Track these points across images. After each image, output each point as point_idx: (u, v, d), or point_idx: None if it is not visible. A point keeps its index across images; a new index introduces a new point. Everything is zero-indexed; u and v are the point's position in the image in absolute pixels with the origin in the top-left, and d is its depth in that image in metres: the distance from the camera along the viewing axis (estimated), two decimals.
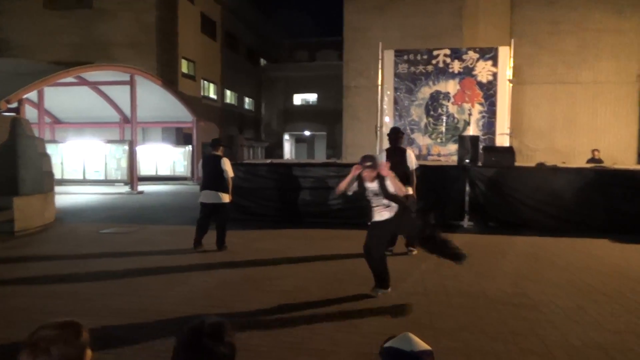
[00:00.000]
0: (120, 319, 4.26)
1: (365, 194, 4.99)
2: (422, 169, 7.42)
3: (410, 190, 6.70)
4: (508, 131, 12.61)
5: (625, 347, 3.73)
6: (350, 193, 5.12)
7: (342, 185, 5.08)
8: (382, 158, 6.80)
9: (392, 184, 4.82)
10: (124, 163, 17.04)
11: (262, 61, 37.90)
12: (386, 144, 13.11)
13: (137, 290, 5.13)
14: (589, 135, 15.19)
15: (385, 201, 4.91)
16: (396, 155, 6.78)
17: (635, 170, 9.17)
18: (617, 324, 4.21)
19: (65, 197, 13.57)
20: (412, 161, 6.82)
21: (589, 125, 15.22)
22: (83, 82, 17.04)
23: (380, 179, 4.86)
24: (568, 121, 15.36)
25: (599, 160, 12.43)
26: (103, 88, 18.44)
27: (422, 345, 1.44)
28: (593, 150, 13.38)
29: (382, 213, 4.96)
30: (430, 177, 7.00)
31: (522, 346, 3.74)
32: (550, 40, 15.28)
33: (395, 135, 7.04)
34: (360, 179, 4.97)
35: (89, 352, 1.56)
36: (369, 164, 4.83)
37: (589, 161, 12.69)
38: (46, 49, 21.94)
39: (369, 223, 5.07)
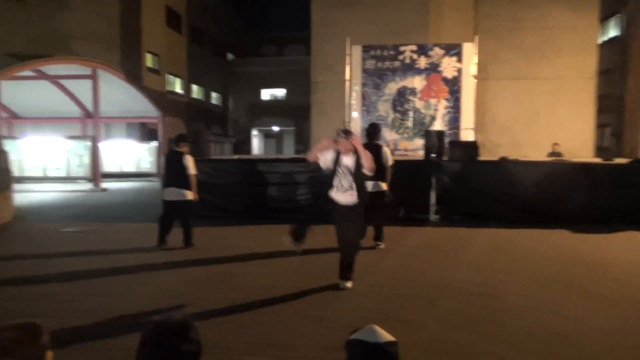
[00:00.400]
0: (82, 319, 4.15)
1: (337, 173, 4.99)
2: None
3: (385, 186, 6.81)
4: (472, 126, 12.91)
5: (582, 333, 3.89)
6: (324, 168, 5.14)
7: (314, 153, 5.18)
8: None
9: (364, 157, 4.91)
10: (86, 159, 16.53)
11: (230, 56, 37.42)
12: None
13: (100, 290, 5.00)
14: (549, 129, 15.69)
15: (353, 183, 4.94)
16: (374, 150, 6.84)
17: (592, 164, 9.54)
18: (574, 311, 4.39)
19: (25, 195, 13.08)
20: (388, 158, 6.90)
21: (549, 119, 15.72)
22: (42, 75, 16.41)
23: (357, 156, 4.92)
24: (529, 116, 15.82)
25: (559, 154, 12.87)
26: (64, 82, 17.79)
27: (387, 336, 1.47)
28: (553, 144, 13.83)
29: (347, 196, 4.99)
30: (397, 171, 7.09)
31: (486, 334, 3.85)
32: (512, 37, 15.68)
33: (374, 130, 7.12)
34: (336, 157, 5.02)
35: (49, 354, 1.53)
36: (344, 135, 4.92)
37: (549, 155, 13.13)
38: (2, 41, 21.02)
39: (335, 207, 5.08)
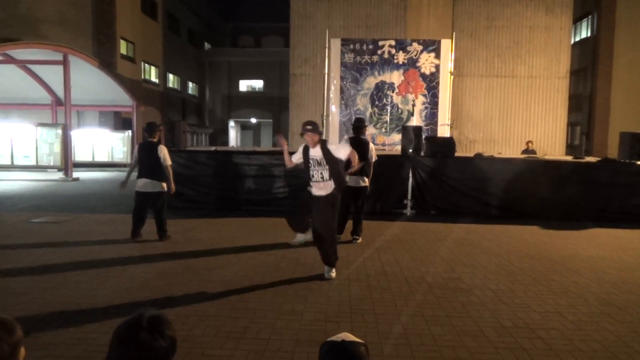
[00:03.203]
0: (53, 313, 4.05)
1: (309, 166, 5.10)
2: None
3: (367, 182, 6.96)
4: (449, 122, 13.07)
5: (550, 326, 4.00)
6: (298, 164, 5.33)
7: (286, 159, 5.40)
8: (346, 146, 6.89)
9: (352, 156, 5.05)
10: (57, 148, 16.11)
11: (207, 45, 36.88)
12: (333, 133, 13.33)
13: (70, 283, 4.89)
14: (523, 127, 16.03)
15: (326, 174, 5.03)
16: (360, 146, 6.88)
17: (563, 161, 9.78)
18: (543, 305, 4.50)
19: None
20: (373, 154, 7.03)
21: (522, 117, 16.05)
22: (10, 60, 15.86)
23: (324, 147, 5.02)
24: (504, 113, 16.11)
25: (533, 151, 13.16)
26: (33, 67, 17.26)
27: (356, 340, 1.50)
28: (527, 142, 14.14)
29: (320, 187, 5.10)
30: (375, 166, 7.15)
31: (457, 328, 3.92)
32: (487, 35, 15.91)
33: (361, 124, 7.21)
34: (305, 151, 5.15)
35: (22, 350, 1.49)
36: (309, 127, 5.00)
37: (523, 152, 13.42)
38: None
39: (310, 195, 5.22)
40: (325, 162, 5.01)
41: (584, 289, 5.01)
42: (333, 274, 5.17)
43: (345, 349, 1.45)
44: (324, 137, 12.96)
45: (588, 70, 22.45)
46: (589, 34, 22.75)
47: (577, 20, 21.50)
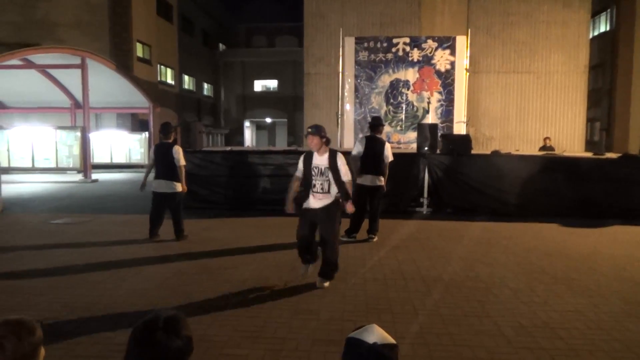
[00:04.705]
0: (71, 313, 4.11)
1: (310, 174, 4.80)
2: None
3: (383, 181, 6.90)
4: (465, 119, 12.94)
5: (571, 325, 3.93)
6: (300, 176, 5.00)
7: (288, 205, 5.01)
8: (362, 143, 6.88)
9: (342, 166, 4.74)
10: (76, 150, 16.36)
11: (221, 46, 37.11)
12: (347, 132, 13.30)
13: (89, 282, 4.96)
14: (541, 123, 15.79)
15: (326, 185, 4.75)
16: (376, 144, 6.86)
17: (582, 158, 9.61)
18: (563, 304, 4.43)
19: (12, 186, 12.93)
20: (389, 154, 6.96)
21: (540, 113, 15.80)
22: (30, 64, 16.16)
23: (332, 156, 4.75)
24: (521, 110, 15.88)
25: (551, 148, 12.95)
26: (52, 71, 17.55)
27: (386, 338, 1.42)
28: (545, 138, 13.92)
29: (320, 199, 4.80)
30: (390, 164, 7.11)
31: (475, 327, 3.87)
32: (503, 30, 15.69)
33: (378, 122, 7.17)
34: (306, 158, 4.86)
35: (42, 351, 1.52)
36: (309, 129, 4.75)
37: (541, 149, 13.21)
38: None
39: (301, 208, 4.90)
40: (329, 173, 4.73)
41: (605, 288, 4.91)
42: (326, 284, 4.81)
43: (379, 354, 1.37)
44: (339, 136, 12.97)
45: (607, 64, 22.00)
46: (608, 28, 22.29)
47: (595, 14, 21.09)
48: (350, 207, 4.78)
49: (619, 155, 10.05)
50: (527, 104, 15.83)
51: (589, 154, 10.93)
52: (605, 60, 22.08)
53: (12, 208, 9.60)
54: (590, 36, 17.89)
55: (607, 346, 3.56)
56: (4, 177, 10.35)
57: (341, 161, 4.78)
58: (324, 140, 4.79)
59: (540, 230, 7.81)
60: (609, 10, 22.07)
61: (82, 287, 4.81)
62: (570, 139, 15.69)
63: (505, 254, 6.26)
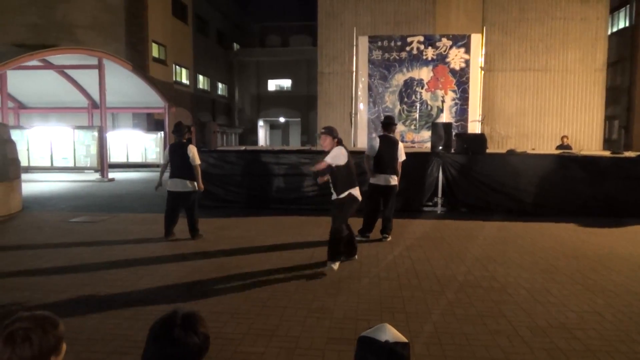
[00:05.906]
0: (89, 310, 4.20)
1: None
2: None
3: (396, 180, 6.94)
4: (480, 118, 12.82)
5: (588, 326, 3.89)
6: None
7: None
8: (376, 143, 6.90)
9: (328, 158, 5.32)
10: (93, 150, 16.61)
11: (235, 46, 37.30)
12: (361, 131, 13.28)
13: (107, 280, 5.05)
14: (558, 121, 15.59)
15: (330, 180, 5.42)
16: (390, 144, 6.87)
17: (600, 156, 9.46)
18: (579, 304, 4.38)
19: (32, 185, 13.19)
20: (402, 153, 7.02)
21: (557, 111, 15.60)
22: (48, 65, 16.45)
23: (326, 154, 5.41)
24: (537, 108, 15.70)
25: (568, 147, 12.78)
26: (70, 72, 17.84)
27: (399, 336, 1.44)
28: (562, 137, 13.73)
29: (332, 191, 5.48)
30: (404, 163, 7.10)
31: (490, 327, 3.86)
32: (519, 28, 15.51)
33: (391, 121, 7.21)
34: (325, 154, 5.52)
35: (64, 345, 1.56)
36: (322, 130, 5.57)
37: (558, 147, 13.03)
38: (7, 31, 21.03)
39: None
40: (333, 169, 5.36)
41: (623, 288, 4.84)
42: (335, 266, 5.32)
43: (392, 352, 1.38)
44: (352, 135, 12.97)
45: (626, 61, 21.60)
46: (627, 24, 21.89)
47: (614, 10, 20.71)
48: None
49: (638, 153, 9.87)
50: (544, 102, 15.63)
51: (607, 153, 10.75)
52: (624, 57, 21.68)
53: (31, 206, 9.80)
54: (609, 32, 17.60)
55: (625, 347, 3.51)
56: (24, 176, 10.55)
57: (330, 155, 5.40)
58: (336, 140, 5.41)
59: (556, 230, 7.72)
60: (627, 5, 21.67)
61: (100, 284, 4.90)
62: (588, 137, 15.46)
63: (520, 254, 6.20)
